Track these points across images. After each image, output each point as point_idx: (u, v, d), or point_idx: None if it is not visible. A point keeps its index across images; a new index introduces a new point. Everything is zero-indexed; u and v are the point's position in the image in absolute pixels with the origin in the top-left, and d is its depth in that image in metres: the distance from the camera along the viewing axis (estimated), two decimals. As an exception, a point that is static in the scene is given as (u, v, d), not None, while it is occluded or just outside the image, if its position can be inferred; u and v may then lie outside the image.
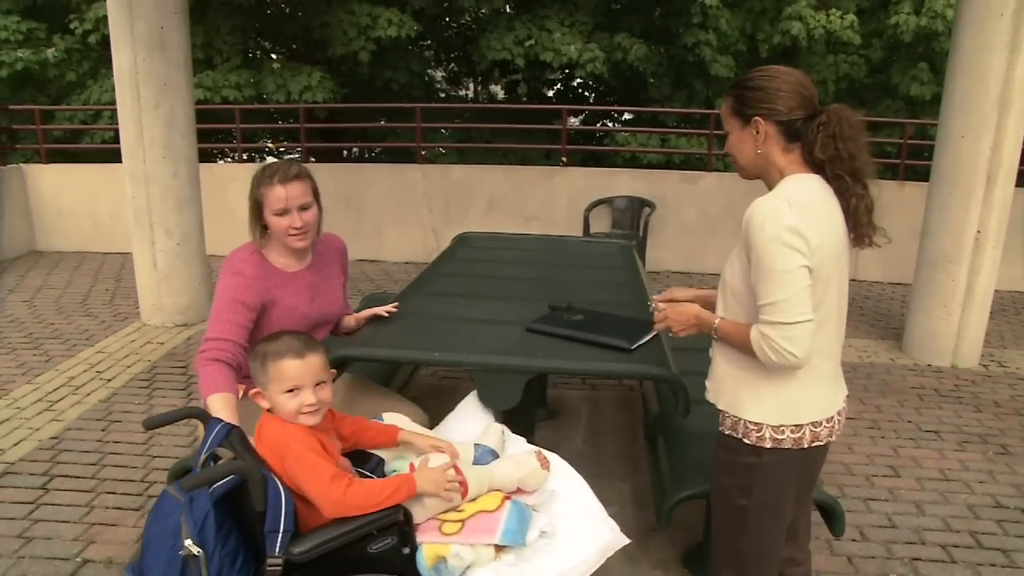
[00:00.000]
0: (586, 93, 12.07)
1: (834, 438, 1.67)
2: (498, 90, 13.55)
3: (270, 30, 10.31)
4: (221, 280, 2.15)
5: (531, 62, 9.36)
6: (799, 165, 1.59)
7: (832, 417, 1.65)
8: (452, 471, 1.64)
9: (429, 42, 11.26)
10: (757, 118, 1.58)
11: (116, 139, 5.00)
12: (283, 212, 2.12)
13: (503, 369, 2.08)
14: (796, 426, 1.60)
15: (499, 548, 1.58)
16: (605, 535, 1.67)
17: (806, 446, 1.62)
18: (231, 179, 7.27)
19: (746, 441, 1.63)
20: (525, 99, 11.38)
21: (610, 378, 4.08)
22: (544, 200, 7.23)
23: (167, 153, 4.87)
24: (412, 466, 1.70)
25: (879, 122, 8.95)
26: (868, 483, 3.22)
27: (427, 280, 3.11)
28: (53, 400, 3.85)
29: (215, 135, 10.09)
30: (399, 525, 1.55)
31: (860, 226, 1.58)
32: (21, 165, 7.41)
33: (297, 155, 9.66)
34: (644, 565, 2.57)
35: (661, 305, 1.80)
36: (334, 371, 1.74)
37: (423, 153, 8.03)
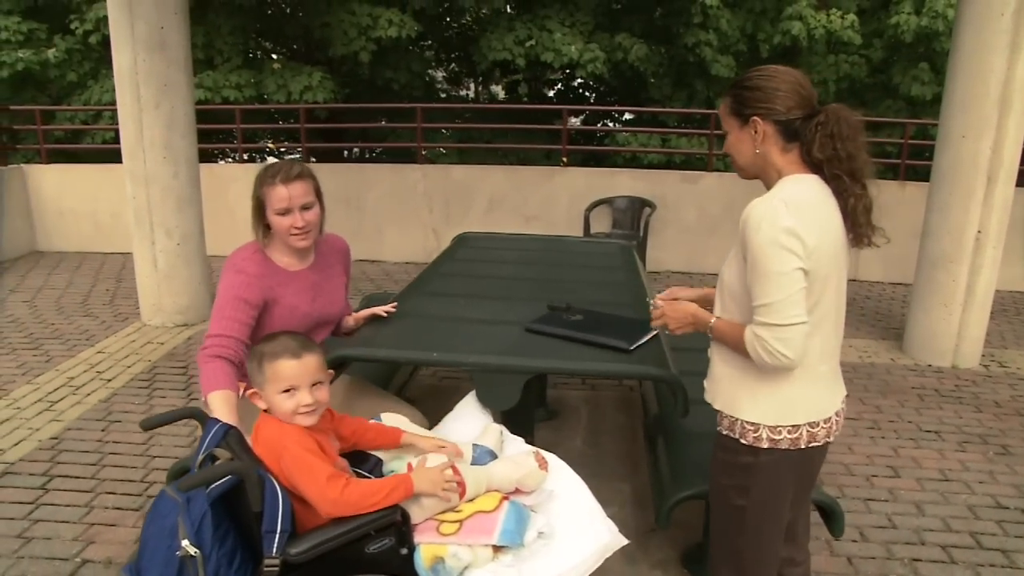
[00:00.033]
0: (587, 93, 12.07)
1: (832, 439, 1.67)
2: (499, 90, 13.55)
3: (271, 30, 10.31)
4: (224, 278, 2.16)
5: (532, 62, 9.35)
6: (797, 165, 1.59)
7: (830, 418, 1.65)
8: (450, 471, 1.64)
9: (430, 42, 11.25)
10: (755, 118, 1.58)
11: (117, 139, 5.00)
12: (285, 211, 2.13)
13: (502, 369, 2.08)
14: (793, 426, 1.60)
15: (497, 549, 1.58)
16: (603, 536, 1.67)
17: (803, 446, 1.62)
18: (232, 179, 7.28)
19: (743, 441, 1.63)
20: (526, 99, 11.38)
21: (609, 378, 4.08)
22: (544, 200, 7.23)
23: (167, 153, 4.87)
24: (410, 466, 1.70)
25: (880, 122, 8.95)
26: (868, 483, 3.22)
27: (427, 280, 3.11)
28: (53, 400, 3.85)
29: (216, 135, 10.10)
30: (397, 525, 1.55)
31: (858, 226, 1.58)
32: (22, 165, 7.42)
33: (298, 155, 9.67)
34: (644, 565, 2.57)
35: (659, 302, 1.81)
36: (331, 371, 1.74)
37: (424, 153, 8.03)
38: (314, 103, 8.65)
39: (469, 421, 2.04)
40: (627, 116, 11.76)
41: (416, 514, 1.60)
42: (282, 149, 11.26)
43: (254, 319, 2.13)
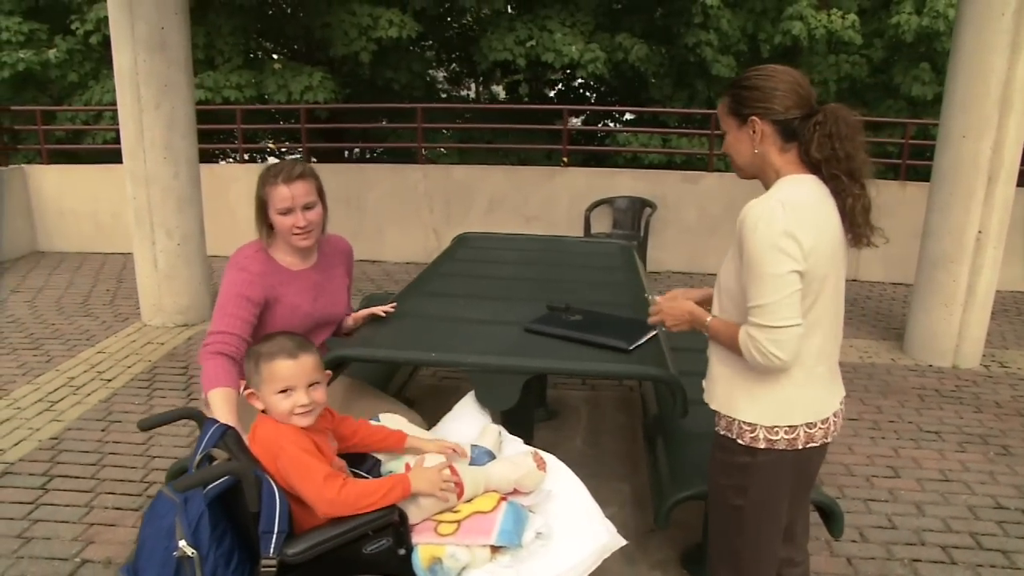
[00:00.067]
0: (587, 93, 12.06)
1: (830, 439, 1.67)
2: (499, 90, 13.55)
3: (271, 31, 10.31)
4: (227, 276, 2.17)
5: (532, 62, 9.35)
6: (796, 165, 1.59)
7: (827, 418, 1.65)
8: (447, 471, 1.64)
9: (430, 42, 11.26)
10: (754, 117, 1.57)
11: (117, 140, 5.01)
12: (287, 211, 2.15)
13: (501, 370, 2.08)
14: (790, 427, 1.60)
15: (495, 549, 1.58)
16: (602, 536, 1.67)
17: (800, 447, 1.61)
18: (232, 179, 7.28)
19: (740, 442, 1.63)
20: (526, 99, 11.37)
21: (608, 378, 4.07)
22: (545, 200, 7.23)
23: (168, 154, 4.87)
24: (408, 466, 1.70)
25: (881, 122, 8.95)
26: (868, 484, 3.22)
27: (426, 280, 3.11)
28: (53, 400, 3.85)
29: (216, 135, 10.10)
30: (394, 526, 1.54)
31: (857, 226, 1.58)
32: (23, 166, 7.42)
33: (298, 155, 9.67)
34: (643, 566, 2.57)
35: (657, 298, 1.82)
36: (329, 372, 1.74)
37: (424, 153, 8.03)
38: (315, 103, 8.65)
39: (468, 421, 2.03)
40: (628, 116, 11.76)
41: (414, 514, 1.60)
42: (283, 149, 11.27)
43: (256, 317, 2.14)
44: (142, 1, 4.60)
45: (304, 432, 1.59)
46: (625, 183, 7.11)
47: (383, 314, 2.38)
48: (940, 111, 4.63)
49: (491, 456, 1.82)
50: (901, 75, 9.52)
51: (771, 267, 1.47)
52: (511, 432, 2.03)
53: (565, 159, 7.63)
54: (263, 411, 1.65)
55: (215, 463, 1.55)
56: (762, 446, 1.61)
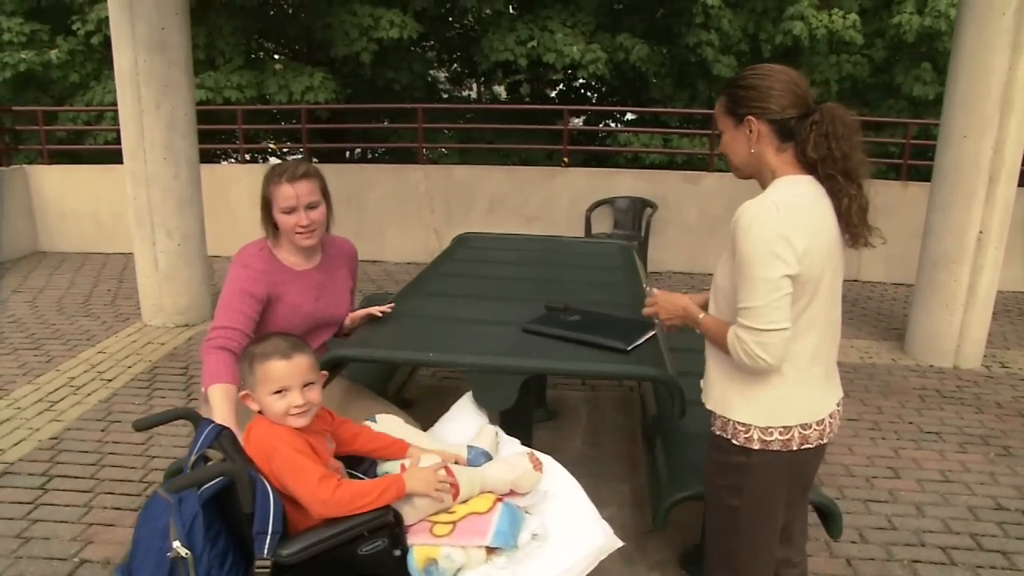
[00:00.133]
0: (588, 94, 12.06)
1: (825, 440, 1.66)
2: (501, 91, 13.55)
3: (272, 31, 10.32)
4: (231, 273, 2.19)
5: (533, 63, 9.35)
6: (792, 166, 1.58)
7: (823, 420, 1.64)
8: (443, 472, 1.64)
9: (431, 43, 11.26)
10: (750, 117, 1.57)
11: (118, 140, 5.02)
12: (291, 210, 2.17)
13: (498, 370, 2.08)
14: (784, 428, 1.60)
15: (490, 550, 1.57)
16: (598, 537, 1.66)
17: (795, 448, 1.61)
18: (233, 180, 7.29)
19: (735, 442, 1.63)
20: (527, 100, 11.37)
21: (606, 379, 4.07)
22: (546, 200, 7.22)
23: (168, 154, 4.88)
24: (403, 467, 1.70)
25: (882, 122, 8.93)
26: (868, 485, 3.21)
27: (425, 280, 3.10)
28: (53, 400, 3.86)
29: (218, 136, 10.11)
30: (390, 527, 1.54)
31: (853, 226, 1.57)
32: (24, 166, 7.44)
33: (299, 156, 9.68)
34: (642, 567, 2.56)
35: (655, 291, 1.82)
36: (325, 373, 1.74)
37: (425, 153, 8.03)
38: (316, 103, 8.66)
39: (465, 422, 2.03)
40: (629, 116, 11.75)
41: (409, 515, 1.59)
42: (284, 150, 11.28)
43: (259, 313, 2.16)
44: (142, 1, 4.60)
45: (298, 433, 1.59)
46: (626, 183, 7.11)
47: (380, 314, 2.38)
48: (941, 111, 4.62)
49: (488, 457, 1.82)
50: (902, 75, 9.50)
51: (762, 270, 1.47)
52: (509, 433, 2.02)
53: (566, 159, 7.62)
54: (259, 412, 1.65)
55: (209, 464, 1.55)
56: (756, 447, 1.60)
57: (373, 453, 1.82)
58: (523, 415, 2.33)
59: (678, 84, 10.20)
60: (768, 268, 1.47)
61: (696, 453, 2.13)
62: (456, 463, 1.77)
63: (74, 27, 8.98)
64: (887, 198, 6.62)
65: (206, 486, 1.43)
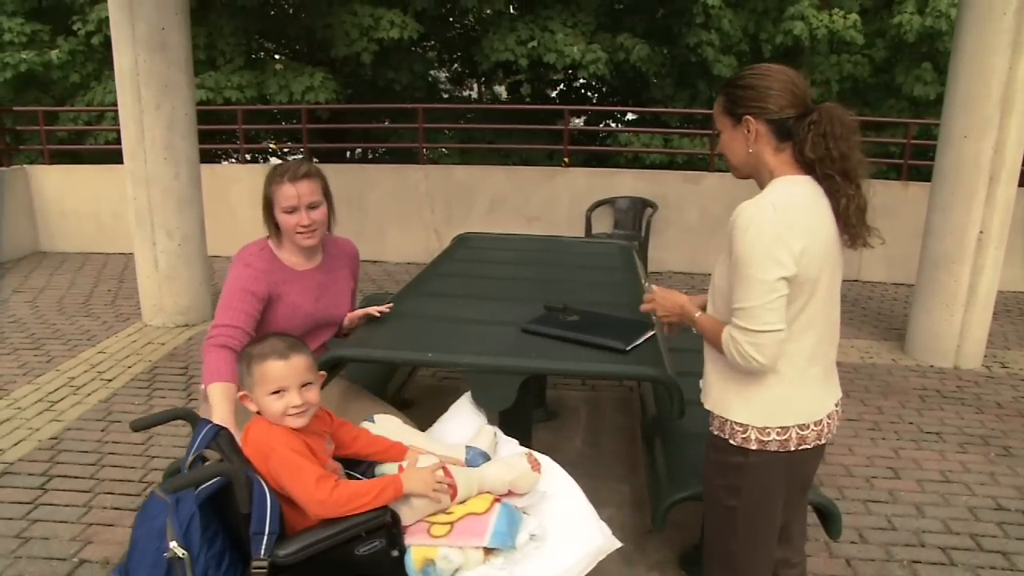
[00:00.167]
0: (589, 94, 12.06)
1: (824, 441, 1.66)
2: (501, 91, 13.55)
3: (273, 31, 10.32)
4: (232, 271, 2.20)
5: (534, 63, 9.34)
6: (790, 166, 1.58)
7: (821, 420, 1.64)
8: (441, 472, 1.64)
9: (432, 43, 11.26)
10: (748, 117, 1.57)
11: (119, 140, 5.02)
12: (292, 209, 2.19)
13: (497, 370, 2.07)
14: (782, 428, 1.59)
15: (488, 551, 1.57)
16: (596, 538, 1.66)
17: (793, 448, 1.61)
18: (233, 180, 7.29)
19: (732, 442, 1.63)
20: (528, 100, 11.37)
21: (605, 379, 4.07)
22: (546, 201, 7.22)
23: (168, 154, 4.88)
24: (401, 467, 1.70)
25: (883, 122, 8.93)
26: (868, 485, 3.21)
27: (425, 280, 3.10)
28: (53, 400, 3.86)
29: (218, 136, 10.11)
30: (387, 527, 1.54)
31: (852, 227, 1.57)
32: (25, 166, 7.44)
33: (300, 156, 9.68)
34: (641, 567, 2.56)
35: (654, 287, 1.83)
36: (323, 373, 1.74)
37: (426, 153, 8.02)
38: (316, 104, 8.66)
39: (463, 422, 2.03)
40: (629, 116, 11.75)
41: (407, 515, 1.59)
42: (284, 150, 11.28)
43: (259, 312, 2.16)
44: (142, 2, 4.60)
45: (296, 433, 1.59)
46: (626, 183, 7.11)
47: (378, 314, 2.38)
48: (942, 111, 4.61)
49: (486, 457, 1.82)
50: (903, 75, 9.49)
51: (758, 271, 1.47)
52: (508, 433, 2.02)
53: (566, 159, 7.62)
54: (258, 413, 1.65)
55: (206, 464, 1.55)
56: (754, 447, 1.60)
57: (372, 456, 1.82)
58: (522, 415, 2.33)
59: (678, 84, 10.20)
60: (764, 269, 1.47)
61: (695, 453, 2.13)
62: (454, 464, 1.77)
63: (74, 27, 8.98)
64: (888, 198, 6.62)
65: (203, 486, 1.43)
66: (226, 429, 1.65)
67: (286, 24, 10.02)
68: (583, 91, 11.96)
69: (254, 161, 9.36)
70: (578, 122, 11.70)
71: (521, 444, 1.96)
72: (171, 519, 1.39)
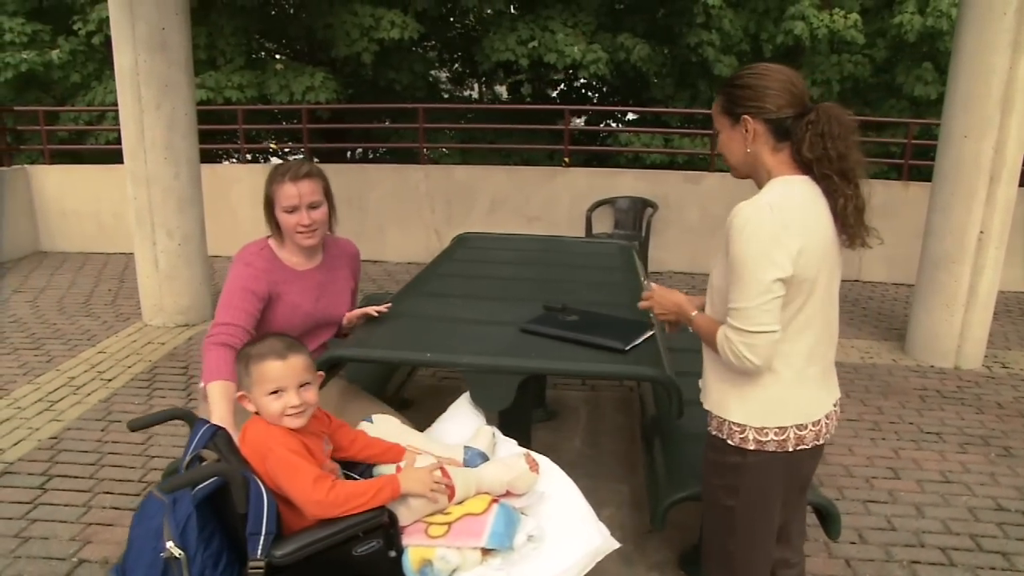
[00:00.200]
0: (589, 94, 12.05)
1: (822, 442, 1.65)
2: (502, 91, 13.54)
3: (273, 31, 10.32)
4: (232, 271, 2.21)
5: (534, 63, 9.34)
6: (788, 166, 1.58)
7: (818, 420, 1.63)
8: (438, 472, 1.63)
9: (432, 43, 11.25)
10: (746, 116, 1.57)
11: (120, 140, 5.02)
12: (293, 209, 2.20)
13: (496, 370, 2.07)
14: (780, 428, 1.59)
15: (486, 551, 1.57)
16: (595, 539, 1.66)
17: (791, 449, 1.60)
18: (234, 180, 7.29)
19: (730, 442, 1.63)
20: (529, 100, 11.37)
21: (604, 379, 4.06)
22: (546, 201, 7.22)
23: (168, 154, 4.88)
24: (399, 467, 1.70)
25: (883, 122, 8.92)
26: (868, 485, 3.20)
27: (424, 280, 3.10)
28: (53, 400, 3.86)
29: (219, 136, 10.12)
30: (384, 528, 1.53)
31: (849, 227, 1.56)
32: (26, 166, 7.45)
33: (301, 156, 9.68)
34: (640, 567, 2.56)
35: (653, 285, 1.84)
36: (321, 373, 1.73)
37: (426, 153, 8.02)
38: (316, 103, 8.66)
39: (462, 423, 2.03)
40: (630, 116, 11.74)
41: (404, 516, 1.59)
42: (285, 150, 11.29)
43: (259, 311, 2.17)
44: (143, 1, 4.60)
45: (294, 434, 1.59)
46: (627, 183, 7.10)
47: (376, 314, 2.38)
48: (942, 111, 4.61)
49: (484, 458, 1.81)
50: (904, 75, 9.48)
51: (754, 272, 1.47)
52: (507, 433, 2.02)
53: (567, 159, 7.62)
54: (256, 413, 1.64)
55: (203, 464, 1.55)
56: (752, 447, 1.60)
57: (369, 459, 1.81)
58: (521, 415, 2.33)
59: (679, 84, 10.19)
60: (760, 270, 1.46)
61: (694, 453, 2.13)
62: (452, 464, 1.77)
63: (75, 27, 8.99)
64: (888, 198, 6.61)
65: (200, 486, 1.42)
66: (224, 429, 1.65)
67: (287, 24, 10.02)
68: (584, 91, 11.96)
69: (255, 161, 9.37)
70: (579, 122, 11.70)
71: (520, 444, 1.96)
72: (168, 519, 1.39)
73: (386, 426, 1.91)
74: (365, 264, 7.05)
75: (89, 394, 3.94)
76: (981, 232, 4.41)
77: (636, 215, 6.98)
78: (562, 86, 12.03)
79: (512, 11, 10.09)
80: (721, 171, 7.20)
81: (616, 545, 1.70)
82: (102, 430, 3.53)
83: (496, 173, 7.41)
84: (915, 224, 5.32)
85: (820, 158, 1.51)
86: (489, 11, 9.75)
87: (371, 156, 11.54)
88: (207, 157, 6.41)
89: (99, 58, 9.18)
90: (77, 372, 4.26)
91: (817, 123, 1.51)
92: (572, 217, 7.08)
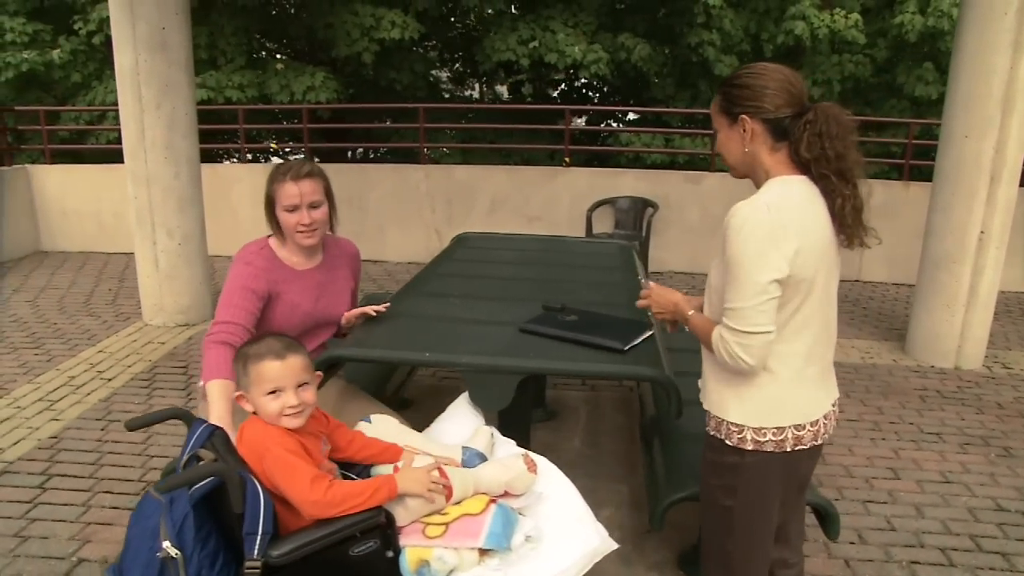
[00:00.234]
0: (590, 93, 12.05)
1: (820, 442, 1.65)
2: (503, 91, 13.55)
3: (274, 31, 10.33)
4: (232, 270, 2.21)
5: (535, 63, 9.34)
6: (785, 165, 1.57)
7: (816, 421, 1.63)
8: (436, 472, 1.63)
9: (433, 43, 11.25)
10: (744, 116, 1.56)
11: (120, 140, 5.03)
12: (293, 208, 2.21)
13: (494, 370, 2.07)
14: (778, 428, 1.59)
15: (483, 552, 1.57)
16: (592, 540, 1.65)
17: (788, 449, 1.60)
18: (234, 180, 7.30)
19: (728, 442, 1.62)
20: (530, 99, 11.36)
21: (602, 379, 4.06)
22: (547, 200, 7.22)
23: (168, 154, 4.88)
24: (396, 467, 1.69)
25: (884, 122, 8.91)
26: (868, 485, 3.20)
27: (424, 280, 3.10)
28: (53, 400, 3.86)
29: (219, 135, 10.13)
30: (382, 528, 1.53)
31: (847, 227, 1.56)
32: (27, 165, 7.45)
33: (301, 156, 9.68)
34: (640, 567, 2.56)
35: (651, 284, 1.85)
36: (319, 373, 1.73)
37: (427, 153, 8.02)
38: (317, 103, 8.66)
39: (460, 423, 2.02)
40: (630, 116, 11.74)
41: (401, 516, 1.59)
42: (286, 149, 11.29)
43: (259, 310, 2.18)
44: (143, 1, 4.61)
45: (291, 434, 1.59)
46: (627, 183, 7.10)
47: (374, 313, 2.38)
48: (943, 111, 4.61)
49: (482, 458, 1.81)
50: (905, 75, 9.47)
51: (750, 273, 1.47)
52: (506, 433, 2.02)
53: (567, 159, 7.62)
54: (254, 413, 1.64)
55: (200, 464, 1.55)
56: (750, 447, 1.60)
57: (367, 460, 1.81)
58: (520, 415, 2.33)
59: (680, 84, 10.18)
60: (756, 271, 1.46)
61: (694, 454, 2.12)
62: (449, 464, 1.77)
63: (76, 27, 8.99)
64: (889, 198, 6.61)
65: (197, 486, 1.42)
66: (221, 429, 1.65)
67: (287, 24, 10.02)
68: (584, 91, 11.96)
69: (255, 161, 9.37)
70: (579, 122, 11.70)
71: (519, 444, 1.96)
72: (164, 519, 1.39)
73: (384, 426, 1.91)
74: (365, 264, 7.04)
75: (89, 394, 3.95)
76: (982, 232, 4.41)
77: (637, 215, 6.98)
78: (563, 86, 12.03)
79: (513, 11, 10.09)
80: (722, 171, 7.19)
81: (614, 546, 1.70)
82: (102, 430, 3.53)
83: (497, 173, 7.41)
84: (916, 224, 5.31)
85: (818, 158, 1.51)
86: (490, 11, 9.76)
87: (372, 156, 11.54)
88: (208, 157, 6.42)
89: (100, 58, 9.19)
90: (77, 372, 4.26)
91: (815, 123, 1.51)
92: (572, 217, 7.08)
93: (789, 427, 1.59)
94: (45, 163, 7.66)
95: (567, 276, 3.29)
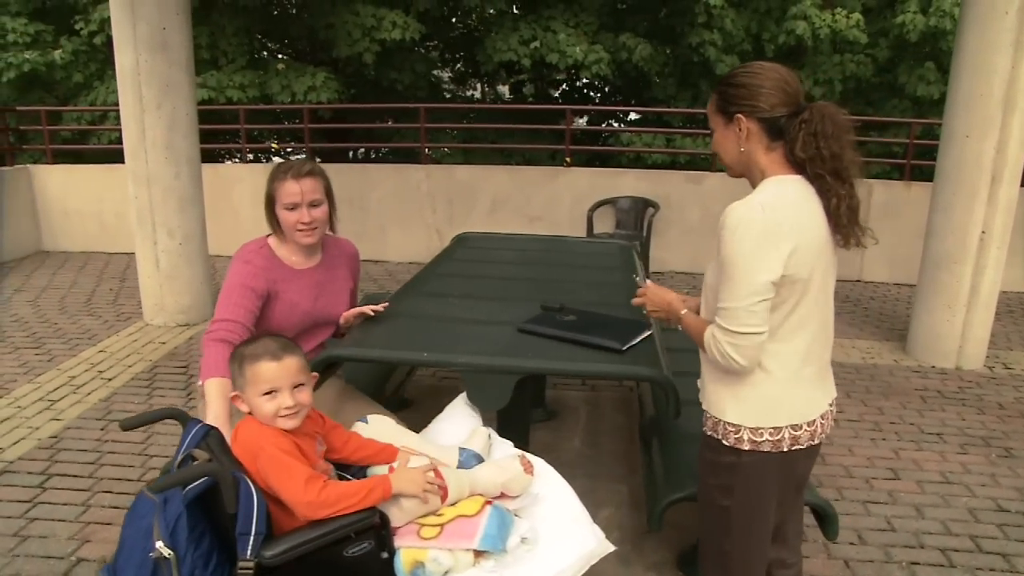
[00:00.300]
0: (591, 93, 12.04)
1: (817, 442, 1.65)
2: (504, 91, 13.55)
3: (275, 31, 10.34)
4: (232, 268, 2.22)
5: (536, 63, 9.34)
6: (781, 165, 1.57)
7: (813, 421, 1.63)
8: (431, 473, 1.63)
9: (435, 43, 11.26)
10: (739, 115, 1.56)
11: (122, 140, 5.03)
12: (293, 206, 2.21)
13: (492, 370, 2.07)
14: (775, 428, 1.59)
15: (478, 553, 1.56)
16: (589, 542, 1.65)
17: (785, 449, 1.60)
18: (235, 180, 7.30)
19: (725, 442, 1.62)
20: (531, 100, 11.36)
21: (601, 379, 4.06)
22: (548, 200, 7.22)
23: (169, 154, 4.89)
24: (391, 468, 1.69)
25: (886, 122, 8.90)
26: (868, 486, 3.19)
27: (423, 280, 3.10)
28: (53, 399, 3.87)
29: (221, 135, 10.14)
30: (376, 529, 1.53)
31: (843, 226, 1.55)
32: (28, 166, 7.46)
33: (303, 156, 9.68)
34: (638, 567, 2.55)
35: (648, 281, 1.86)
36: (316, 374, 1.73)
37: (428, 153, 8.01)
38: (318, 103, 8.67)
39: (458, 423, 2.02)
40: (632, 116, 11.73)
41: (396, 517, 1.58)
42: (287, 149, 11.30)
43: (259, 308, 2.18)
44: (144, 1, 4.61)
45: (286, 434, 1.58)
46: (628, 183, 7.10)
47: (372, 312, 2.38)
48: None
49: (479, 459, 1.81)
50: (906, 75, 9.45)
51: (744, 273, 1.46)
52: (504, 433, 2.02)
53: (568, 159, 7.61)
54: (249, 413, 1.64)
55: (194, 464, 1.55)
56: (747, 447, 1.60)
57: (362, 461, 1.81)
58: (519, 415, 2.33)
59: (681, 84, 10.18)
60: (750, 271, 1.46)
61: (692, 454, 2.11)
62: (445, 466, 1.76)
63: (77, 27, 9.01)
64: (890, 198, 6.60)
65: (191, 486, 1.42)
66: (216, 429, 1.64)
67: (288, 24, 10.03)
68: (585, 91, 11.95)
69: (256, 161, 9.38)
70: (580, 122, 11.70)
71: (517, 445, 1.96)
72: (158, 519, 1.39)
73: (381, 427, 1.90)
74: (366, 264, 7.06)
75: (89, 393, 3.95)
76: (983, 232, 4.40)
77: (637, 215, 6.97)
78: (564, 86, 12.03)
79: (514, 11, 10.09)
80: (723, 171, 7.13)
81: (611, 548, 1.70)
82: (102, 429, 3.53)
83: (498, 173, 7.41)
84: (917, 224, 5.30)
85: (813, 157, 1.50)
86: (491, 11, 9.75)
87: (373, 156, 11.55)
88: (209, 157, 6.42)
89: (101, 58, 9.20)
90: (78, 371, 4.26)
91: (810, 122, 1.50)
92: (573, 217, 7.07)
93: (786, 427, 1.59)
94: (47, 163, 7.67)
95: (567, 276, 3.29)
